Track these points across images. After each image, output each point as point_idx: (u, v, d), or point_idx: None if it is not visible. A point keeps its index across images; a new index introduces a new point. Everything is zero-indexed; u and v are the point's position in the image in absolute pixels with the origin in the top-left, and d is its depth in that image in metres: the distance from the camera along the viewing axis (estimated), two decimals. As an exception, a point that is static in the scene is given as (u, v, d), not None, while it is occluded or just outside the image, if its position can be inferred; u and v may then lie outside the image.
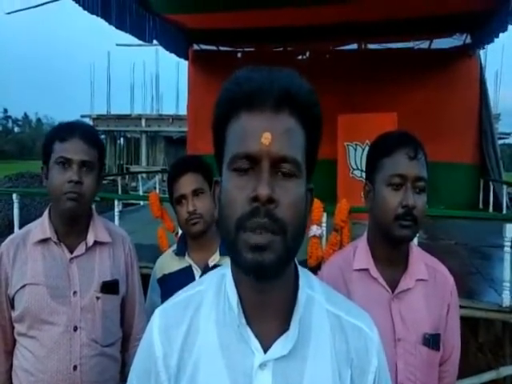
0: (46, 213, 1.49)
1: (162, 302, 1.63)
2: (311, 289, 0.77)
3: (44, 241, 1.45)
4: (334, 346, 0.73)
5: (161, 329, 0.75)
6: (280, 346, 0.70)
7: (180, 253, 1.68)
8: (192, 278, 1.58)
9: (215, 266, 1.54)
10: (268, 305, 0.72)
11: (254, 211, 0.64)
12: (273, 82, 0.66)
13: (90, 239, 1.49)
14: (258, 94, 0.66)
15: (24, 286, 1.40)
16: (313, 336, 0.73)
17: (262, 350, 0.70)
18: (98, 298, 1.46)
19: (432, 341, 1.22)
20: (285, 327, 0.71)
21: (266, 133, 0.65)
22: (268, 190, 0.63)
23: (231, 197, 0.66)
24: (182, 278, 1.59)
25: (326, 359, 0.72)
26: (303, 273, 0.77)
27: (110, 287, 1.50)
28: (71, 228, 1.47)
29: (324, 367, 0.71)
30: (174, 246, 1.75)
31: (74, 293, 1.43)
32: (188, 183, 1.61)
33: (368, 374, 0.74)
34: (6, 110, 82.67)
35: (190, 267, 1.65)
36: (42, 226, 1.47)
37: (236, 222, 0.65)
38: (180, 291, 0.81)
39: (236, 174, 0.67)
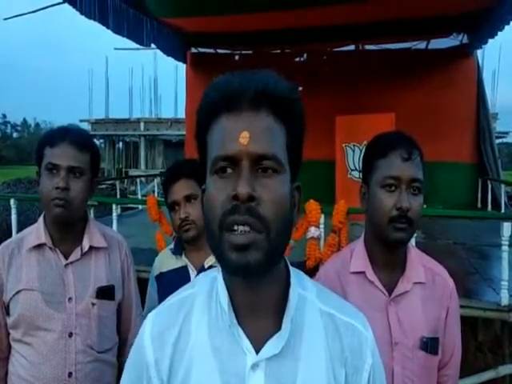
0: (41, 218, 1.49)
1: (158, 299, 1.64)
2: (303, 288, 0.77)
3: (39, 246, 1.44)
4: (327, 344, 0.73)
5: (152, 333, 0.75)
6: (272, 346, 0.70)
7: (177, 252, 1.69)
8: (187, 278, 1.60)
9: (211, 267, 1.55)
10: (259, 305, 0.72)
11: (233, 209, 0.64)
12: (249, 83, 0.67)
13: (86, 244, 1.48)
14: (236, 96, 0.67)
15: (19, 292, 1.40)
16: (305, 335, 0.72)
17: (253, 351, 0.69)
18: (93, 304, 1.46)
19: (430, 345, 1.20)
20: (277, 327, 0.71)
21: (244, 132, 0.66)
22: (247, 188, 0.63)
23: (213, 199, 0.67)
24: (178, 277, 1.61)
25: (320, 358, 0.72)
26: (295, 273, 0.77)
27: (105, 293, 1.49)
28: (65, 234, 1.46)
29: (318, 366, 0.71)
30: (172, 245, 1.76)
31: (70, 299, 1.43)
32: (181, 189, 1.62)
33: (362, 373, 0.74)
34: (4, 116, 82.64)
35: (185, 267, 1.66)
36: (37, 232, 1.46)
37: (218, 222, 0.65)
38: (172, 295, 0.81)
39: (217, 176, 0.68)
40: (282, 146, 0.69)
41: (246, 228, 0.63)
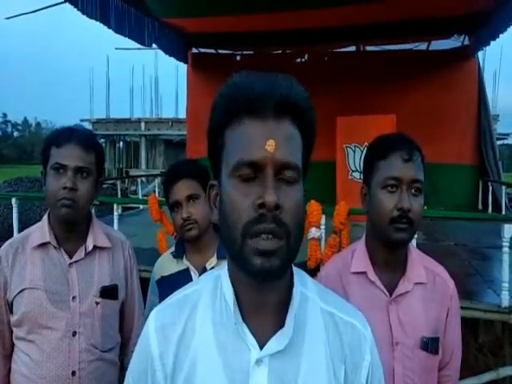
0: (46, 217, 1.49)
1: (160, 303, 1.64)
2: (305, 287, 0.79)
3: (43, 245, 1.45)
4: (328, 342, 0.75)
5: (157, 328, 0.76)
6: (275, 342, 0.71)
7: (178, 255, 1.69)
8: (189, 281, 1.59)
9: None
10: (265, 303, 0.73)
11: (260, 217, 0.65)
12: (274, 89, 0.67)
13: (90, 244, 1.49)
14: (260, 100, 0.67)
15: (23, 291, 1.40)
16: (307, 333, 0.74)
17: (258, 347, 0.71)
18: (97, 303, 1.46)
19: (430, 344, 1.21)
20: (280, 324, 0.72)
21: (270, 140, 0.66)
22: (275, 197, 0.64)
23: (236, 204, 0.67)
24: (180, 281, 1.60)
25: (321, 355, 0.73)
26: (297, 272, 0.79)
27: (109, 292, 1.50)
28: (70, 233, 1.47)
29: (319, 363, 0.73)
30: (173, 248, 1.76)
31: (73, 298, 1.43)
32: (182, 189, 1.62)
33: (361, 370, 0.76)
34: (5, 115, 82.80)
35: (187, 270, 1.66)
36: (41, 231, 1.47)
37: (242, 228, 0.66)
38: (175, 292, 0.82)
39: (240, 180, 0.68)
40: (300, 155, 0.71)
41: (270, 235, 0.65)
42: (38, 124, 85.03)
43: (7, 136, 78.66)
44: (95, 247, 1.50)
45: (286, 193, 0.67)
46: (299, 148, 0.71)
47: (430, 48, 8.31)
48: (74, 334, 1.42)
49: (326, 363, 0.73)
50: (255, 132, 0.67)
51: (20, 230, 4.00)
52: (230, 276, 0.75)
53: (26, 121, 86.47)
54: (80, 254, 1.47)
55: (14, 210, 4.19)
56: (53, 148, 1.41)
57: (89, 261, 1.49)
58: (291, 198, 0.67)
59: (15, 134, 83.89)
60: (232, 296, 0.73)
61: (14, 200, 4.19)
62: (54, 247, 1.45)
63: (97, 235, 1.52)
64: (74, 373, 1.40)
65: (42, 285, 1.41)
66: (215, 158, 0.74)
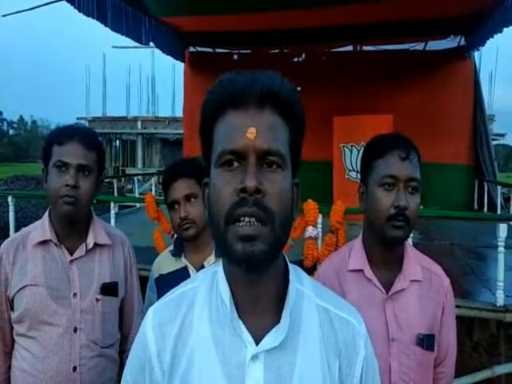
0: (47, 214, 1.50)
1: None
2: (301, 283, 0.80)
3: (44, 242, 1.46)
4: (322, 337, 0.76)
5: (154, 325, 0.77)
6: (271, 338, 0.72)
7: (176, 254, 1.70)
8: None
9: None
10: (259, 299, 0.74)
11: (241, 201, 0.66)
12: (255, 82, 0.70)
13: (90, 241, 1.50)
14: (242, 93, 0.69)
15: (24, 287, 1.41)
16: (302, 328, 0.75)
17: (253, 343, 0.72)
18: (97, 300, 1.48)
19: (426, 341, 1.22)
20: (276, 320, 0.73)
21: (251, 128, 0.68)
22: (255, 181, 0.66)
23: (220, 192, 0.69)
24: (178, 279, 1.59)
25: (316, 350, 0.75)
26: (293, 268, 0.80)
27: (109, 289, 1.51)
28: (71, 230, 1.48)
29: (314, 358, 0.74)
30: (171, 247, 1.77)
31: (74, 294, 1.44)
32: (180, 189, 1.62)
33: (356, 365, 0.77)
34: (1, 113, 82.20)
35: (185, 268, 1.66)
36: (42, 228, 1.47)
37: (225, 214, 0.67)
38: (173, 289, 0.83)
39: (223, 169, 0.70)
40: (285, 143, 0.72)
41: (253, 219, 0.66)
42: (34, 122, 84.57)
43: (3, 134, 77.97)
44: (96, 244, 1.51)
45: (269, 179, 0.68)
46: (284, 137, 0.72)
47: (427, 48, 8.35)
48: (75, 330, 1.43)
49: (321, 358, 0.74)
50: (237, 121, 0.69)
51: (16, 228, 3.99)
52: (224, 271, 0.76)
53: (21, 119, 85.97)
54: (81, 251, 1.48)
55: (11, 208, 4.18)
56: (55, 146, 1.42)
57: (89, 258, 1.50)
58: (275, 184, 0.68)
59: (11, 132, 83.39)
60: (227, 292, 0.74)
61: (10, 198, 4.18)
62: (55, 244, 1.46)
63: (97, 233, 1.53)
64: (74, 368, 1.41)
65: (43, 281, 1.42)
66: (207, 154, 0.76)
